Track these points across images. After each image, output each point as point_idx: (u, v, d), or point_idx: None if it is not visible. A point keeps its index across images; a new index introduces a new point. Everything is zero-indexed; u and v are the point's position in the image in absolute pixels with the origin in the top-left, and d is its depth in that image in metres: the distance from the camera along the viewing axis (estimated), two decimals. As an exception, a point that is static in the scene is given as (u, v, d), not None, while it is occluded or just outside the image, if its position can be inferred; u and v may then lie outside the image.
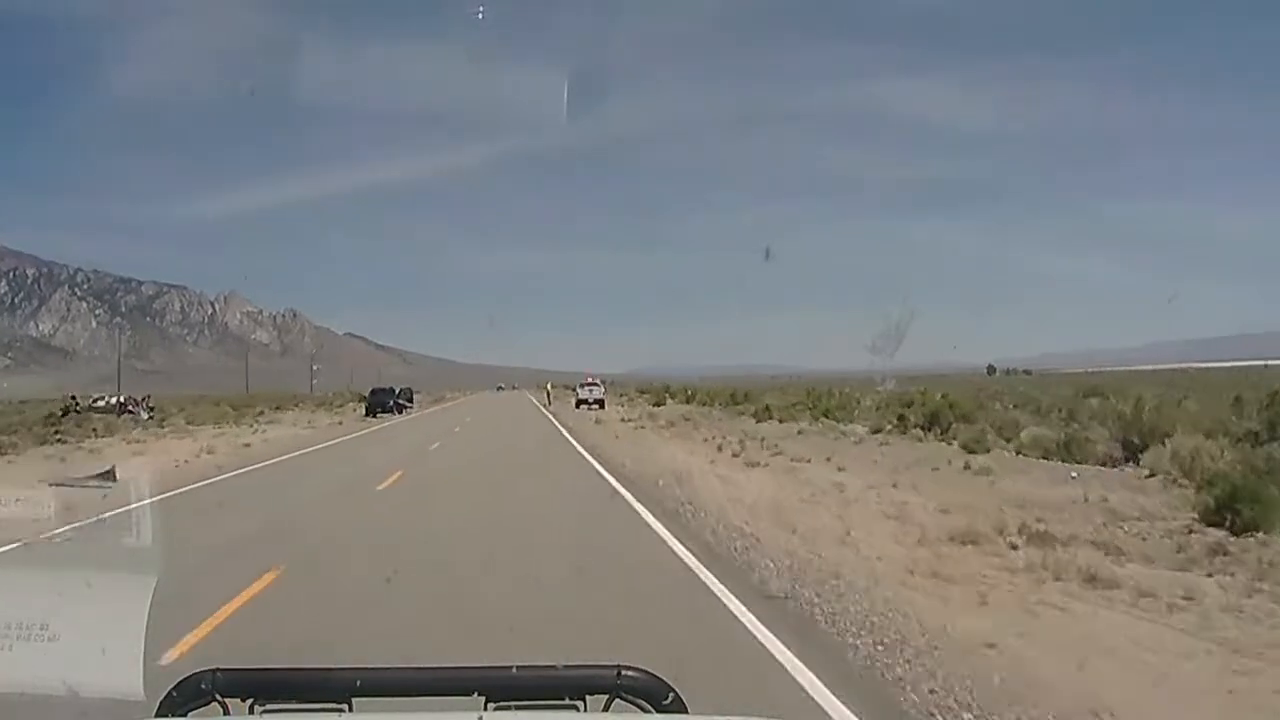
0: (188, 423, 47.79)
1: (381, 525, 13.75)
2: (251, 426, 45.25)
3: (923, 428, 25.17)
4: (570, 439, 31.04)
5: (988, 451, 20.04)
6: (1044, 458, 19.02)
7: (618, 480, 18.71)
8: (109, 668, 1.93)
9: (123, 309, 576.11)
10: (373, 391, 64.11)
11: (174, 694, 1.85)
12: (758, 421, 35.37)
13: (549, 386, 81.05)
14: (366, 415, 58.51)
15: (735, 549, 10.86)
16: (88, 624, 2.00)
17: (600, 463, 22.48)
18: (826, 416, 32.02)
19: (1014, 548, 10.26)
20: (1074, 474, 16.33)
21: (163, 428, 43.93)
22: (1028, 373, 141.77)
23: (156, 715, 1.84)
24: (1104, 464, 18.00)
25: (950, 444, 23.13)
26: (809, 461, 21.32)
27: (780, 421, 33.69)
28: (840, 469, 19.63)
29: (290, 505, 16.54)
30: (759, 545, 10.91)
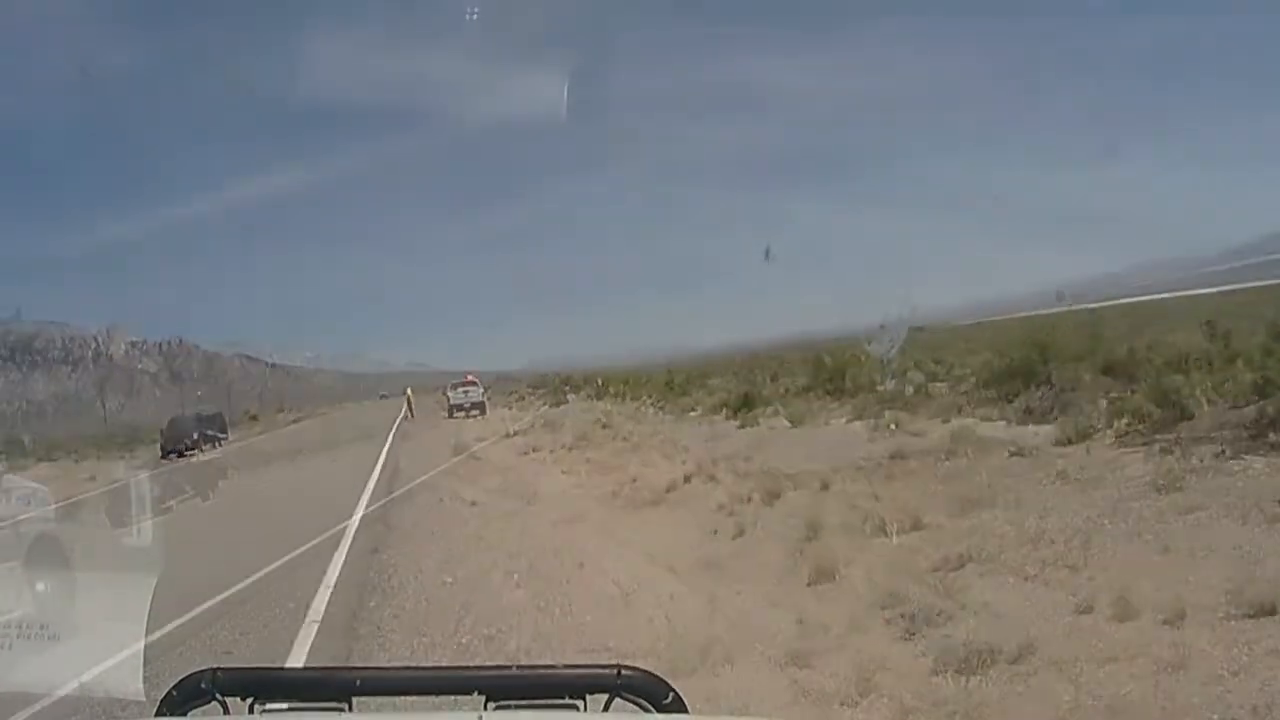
0: None
1: None
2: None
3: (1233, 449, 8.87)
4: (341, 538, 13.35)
5: None
6: None
7: None
8: (109, 668, 1.87)
9: (2, 350, 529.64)
10: (170, 424, 43.91)
11: (174, 693, 1.69)
12: (740, 425, 18.75)
13: (408, 393, 62.48)
14: (163, 456, 40.54)
15: None
16: (88, 624, 1.99)
17: None
18: (887, 409, 15.48)
19: None
20: None
21: None
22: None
23: (156, 715, 1.68)
24: None
25: None
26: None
27: (792, 424, 17.00)
28: None
29: None
30: None
